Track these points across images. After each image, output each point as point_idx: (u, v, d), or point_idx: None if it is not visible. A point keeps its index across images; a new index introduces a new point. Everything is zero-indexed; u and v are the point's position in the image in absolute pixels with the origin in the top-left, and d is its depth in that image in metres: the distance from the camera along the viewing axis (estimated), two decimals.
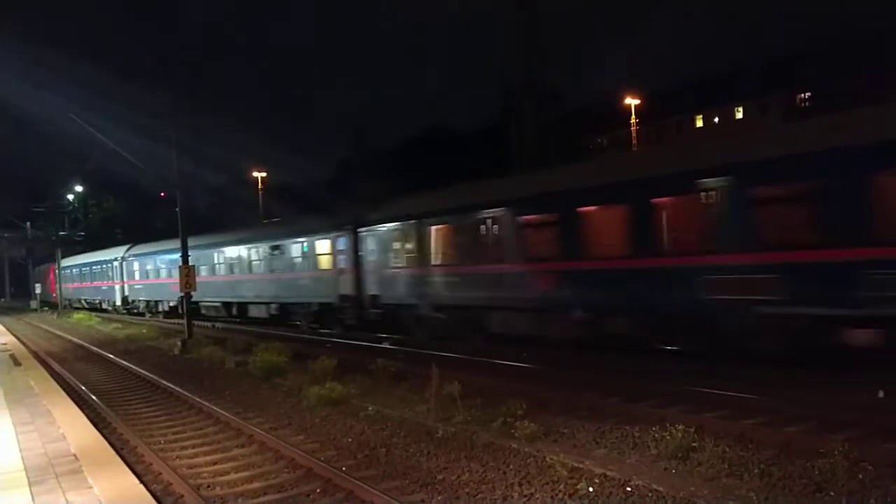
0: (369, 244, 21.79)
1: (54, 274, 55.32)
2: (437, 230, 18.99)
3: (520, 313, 16.38)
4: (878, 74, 42.11)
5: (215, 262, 32.21)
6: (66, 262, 55.38)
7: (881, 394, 9.55)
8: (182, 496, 7.91)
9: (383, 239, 21.21)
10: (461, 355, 15.71)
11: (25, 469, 7.10)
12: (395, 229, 20.63)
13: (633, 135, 52.12)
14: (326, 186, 67.84)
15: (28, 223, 59.06)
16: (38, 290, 59.76)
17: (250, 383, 14.99)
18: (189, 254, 23.68)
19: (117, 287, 44.06)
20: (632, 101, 51.28)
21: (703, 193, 12.46)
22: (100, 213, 77.43)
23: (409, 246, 20.10)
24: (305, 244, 25.66)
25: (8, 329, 32.48)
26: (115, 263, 44.16)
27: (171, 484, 8.31)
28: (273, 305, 28.02)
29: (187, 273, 22.89)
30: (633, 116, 51.35)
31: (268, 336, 22.56)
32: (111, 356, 21.51)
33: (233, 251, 31.03)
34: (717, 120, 64.98)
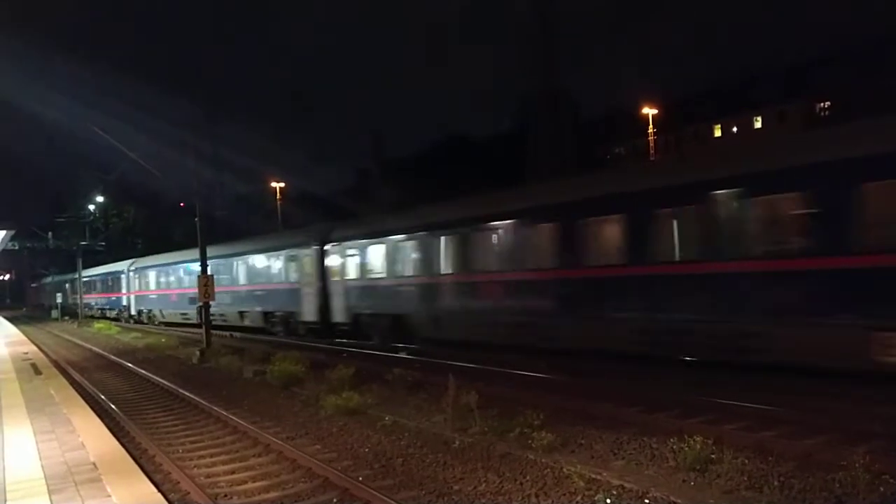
0: None
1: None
2: None
3: None
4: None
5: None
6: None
7: None
8: None
9: None
10: (478, 365, 15.68)
11: (45, 477, 7.15)
12: None
13: (651, 145, 51.98)
14: (347, 194, 68.09)
15: (49, 233, 59.81)
16: (59, 300, 60.30)
17: (268, 392, 15.04)
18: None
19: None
20: (649, 111, 51.16)
21: None
22: (120, 222, 78.36)
23: None
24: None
25: (29, 338, 32.77)
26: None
27: (189, 493, 8.34)
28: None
29: (206, 283, 23.05)
30: (651, 126, 51.21)
31: (285, 345, 22.63)
32: (130, 365, 21.66)
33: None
34: (735, 129, 64.70)
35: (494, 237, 18.03)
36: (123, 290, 49.62)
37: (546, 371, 14.51)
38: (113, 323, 45.53)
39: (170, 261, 41.51)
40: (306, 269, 26.61)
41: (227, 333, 29.84)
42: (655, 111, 51.69)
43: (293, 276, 27.71)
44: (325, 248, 25.45)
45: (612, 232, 14.99)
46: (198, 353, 21.95)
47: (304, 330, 27.05)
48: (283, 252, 28.59)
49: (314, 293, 25.83)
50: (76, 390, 14.47)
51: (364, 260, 23.30)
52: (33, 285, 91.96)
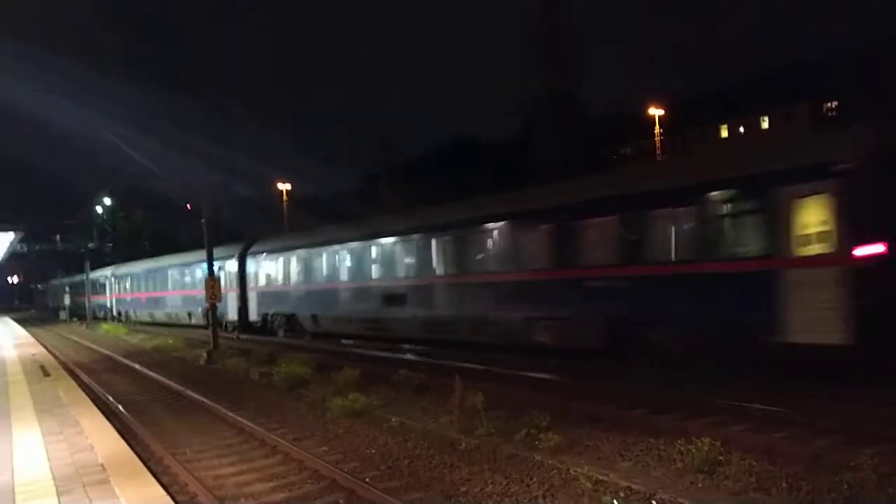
0: None
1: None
2: None
3: None
4: None
5: None
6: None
7: None
8: None
9: None
10: (485, 367, 15.68)
11: (54, 479, 7.19)
12: None
13: (658, 146, 51.83)
14: (355, 197, 67.95)
15: (57, 236, 60.04)
16: (66, 302, 60.69)
17: (274, 394, 15.08)
18: None
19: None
20: (656, 112, 50.98)
21: None
22: (127, 225, 78.56)
23: None
24: None
25: (38, 340, 32.92)
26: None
27: (197, 495, 8.36)
28: None
29: (212, 285, 23.13)
30: (658, 127, 51.04)
31: (292, 347, 22.67)
32: (138, 367, 21.72)
33: None
34: (742, 130, 64.47)
35: (345, 255, 24.25)
36: (107, 294, 54.64)
37: (552, 372, 14.52)
38: (120, 324, 45.85)
39: (140, 268, 47.07)
40: (231, 276, 31.40)
41: (234, 335, 30.14)
42: (662, 112, 51.52)
43: (222, 283, 31.13)
44: (245, 259, 30.77)
45: (407, 254, 21.28)
46: (205, 354, 22.00)
47: (231, 327, 31.83)
48: (217, 262, 30.99)
49: (235, 297, 30.98)
50: (84, 392, 14.54)
51: (268, 270, 29.26)
52: (40, 287, 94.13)
